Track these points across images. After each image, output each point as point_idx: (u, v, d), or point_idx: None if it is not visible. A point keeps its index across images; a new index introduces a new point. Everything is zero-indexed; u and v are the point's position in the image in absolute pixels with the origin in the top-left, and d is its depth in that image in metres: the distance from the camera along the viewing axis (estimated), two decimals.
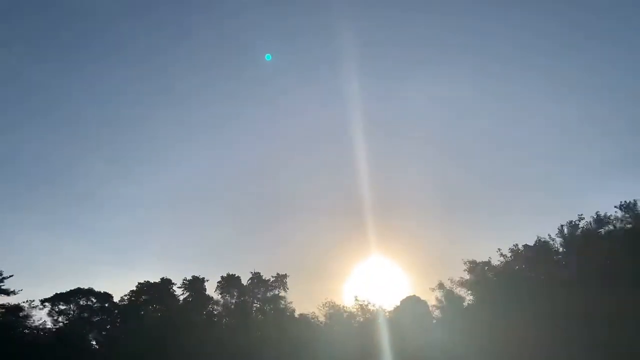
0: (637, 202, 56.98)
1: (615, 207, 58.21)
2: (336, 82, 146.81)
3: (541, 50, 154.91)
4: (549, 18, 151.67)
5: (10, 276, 60.99)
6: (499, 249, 63.39)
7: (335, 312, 67.81)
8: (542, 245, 61.33)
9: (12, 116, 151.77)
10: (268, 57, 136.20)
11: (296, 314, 74.01)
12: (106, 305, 72.92)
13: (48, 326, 68.04)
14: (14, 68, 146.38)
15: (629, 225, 56.20)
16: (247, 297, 76.77)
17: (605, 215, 58.28)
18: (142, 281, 75.35)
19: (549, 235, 61.35)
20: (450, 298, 64.30)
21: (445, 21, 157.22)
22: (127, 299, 73.59)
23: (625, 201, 57.99)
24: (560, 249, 61.08)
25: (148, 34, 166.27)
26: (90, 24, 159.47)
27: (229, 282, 76.75)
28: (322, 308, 69.21)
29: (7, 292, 60.96)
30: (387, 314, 66.34)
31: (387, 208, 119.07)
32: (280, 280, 76.80)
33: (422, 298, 69.67)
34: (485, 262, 64.15)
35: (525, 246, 62.61)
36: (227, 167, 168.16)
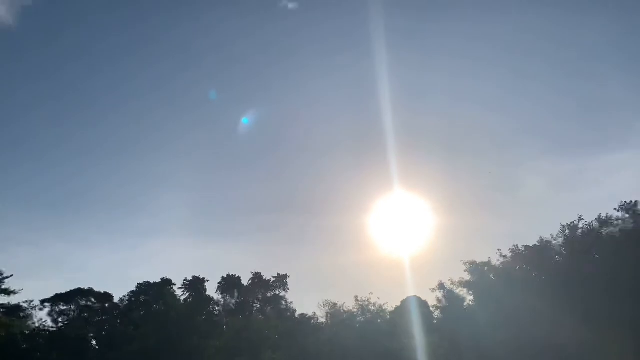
0: (638, 202, 56.77)
1: (615, 209, 57.98)
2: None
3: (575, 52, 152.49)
4: (591, 16, 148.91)
5: (10, 276, 61.02)
6: (498, 249, 63.23)
7: (334, 312, 67.61)
8: (542, 246, 61.10)
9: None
10: (245, 120, 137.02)
11: (297, 314, 74.07)
12: (106, 305, 72.95)
13: (48, 326, 68.19)
14: None
15: (630, 226, 55.98)
16: (247, 298, 76.88)
17: (606, 216, 58.05)
18: (142, 281, 75.42)
19: (551, 235, 61.09)
20: (450, 298, 64.22)
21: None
22: (127, 299, 73.58)
23: (626, 201, 57.77)
24: (562, 250, 60.86)
25: None
26: None
27: (229, 283, 76.83)
28: (322, 307, 69.08)
29: (7, 292, 60.89)
30: (388, 314, 66.27)
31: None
32: (281, 280, 76.94)
33: (423, 298, 70.03)
34: (485, 262, 63.99)
35: (526, 246, 62.41)
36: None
